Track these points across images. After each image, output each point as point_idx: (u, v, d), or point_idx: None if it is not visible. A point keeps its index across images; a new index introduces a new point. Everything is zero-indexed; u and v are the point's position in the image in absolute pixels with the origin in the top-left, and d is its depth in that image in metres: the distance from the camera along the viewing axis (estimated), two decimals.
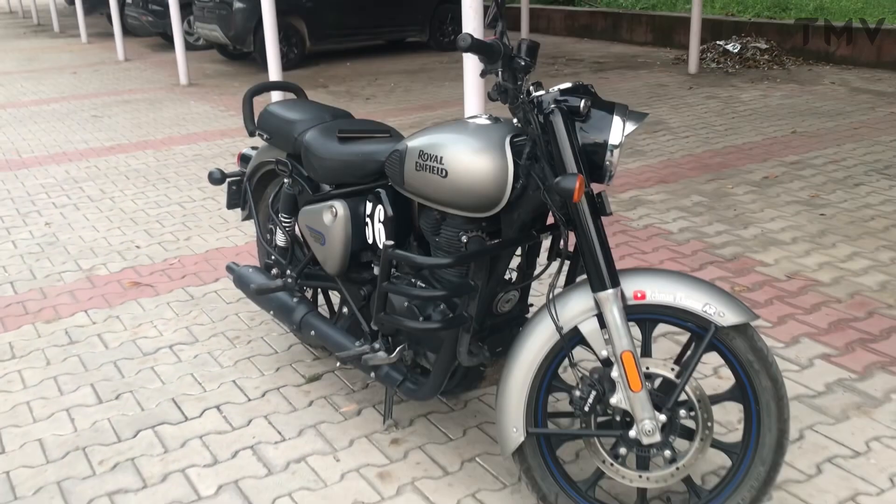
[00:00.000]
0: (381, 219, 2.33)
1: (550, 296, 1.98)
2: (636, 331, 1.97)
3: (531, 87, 1.96)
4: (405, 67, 10.10)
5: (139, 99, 8.73)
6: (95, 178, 5.64)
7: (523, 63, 1.91)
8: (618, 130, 1.89)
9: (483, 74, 1.96)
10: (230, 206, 3.09)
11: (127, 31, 13.05)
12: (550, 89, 1.96)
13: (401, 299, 2.26)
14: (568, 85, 1.96)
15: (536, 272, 2.25)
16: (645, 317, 1.94)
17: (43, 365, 3.05)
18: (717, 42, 9.59)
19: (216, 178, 2.92)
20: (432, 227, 2.23)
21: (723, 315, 1.87)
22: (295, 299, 2.71)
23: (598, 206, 1.92)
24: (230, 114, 7.75)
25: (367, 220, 2.40)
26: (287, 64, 10.11)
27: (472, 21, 4.03)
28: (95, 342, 3.22)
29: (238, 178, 3.03)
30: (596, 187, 1.91)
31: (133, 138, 6.86)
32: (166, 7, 10.44)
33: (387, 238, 2.32)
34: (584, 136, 1.92)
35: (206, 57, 11.69)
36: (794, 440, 2.43)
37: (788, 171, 5.12)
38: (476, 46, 1.80)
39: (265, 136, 2.78)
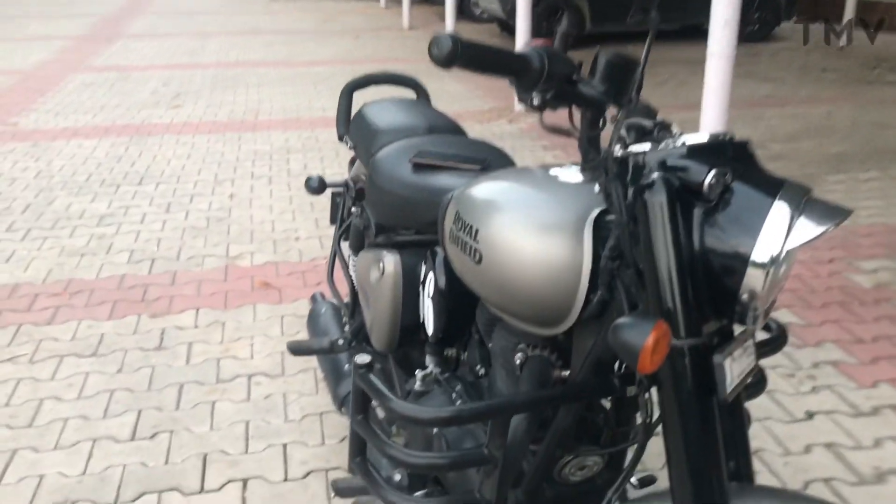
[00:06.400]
0: (431, 292, 1.57)
1: None
2: None
3: (626, 135, 1.09)
4: (690, 57, 8.90)
5: (400, 69, 8.48)
6: (308, 151, 5.36)
7: (596, 91, 1.06)
8: (778, 232, 0.97)
9: (522, 101, 1.12)
10: (332, 221, 2.48)
11: None
12: (668, 140, 1.07)
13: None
14: (703, 136, 1.06)
15: (636, 436, 1.36)
16: None
17: (113, 372, 2.67)
18: None
19: (314, 186, 2.29)
20: (486, 323, 1.44)
21: None
22: (348, 366, 2.04)
23: (711, 380, 1.01)
24: (477, 94, 7.20)
25: (422, 286, 1.66)
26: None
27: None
28: (181, 353, 2.79)
29: (341, 188, 2.40)
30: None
31: None
32: None
33: (435, 321, 1.56)
34: (714, 236, 1.02)
35: (485, 30, 11.27)
36: None
37: None
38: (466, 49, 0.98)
39: (350, 145, 2.12)
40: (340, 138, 2.18)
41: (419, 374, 1.58)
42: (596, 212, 1.16)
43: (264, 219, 4.09)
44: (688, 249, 1.01)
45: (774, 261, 0.97)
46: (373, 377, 1.23)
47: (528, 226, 1.18)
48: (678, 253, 1.00)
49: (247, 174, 4.85)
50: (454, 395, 1.52)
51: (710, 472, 1.02)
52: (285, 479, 2.15)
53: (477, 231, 1.23)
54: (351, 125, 2.14)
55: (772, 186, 1.01)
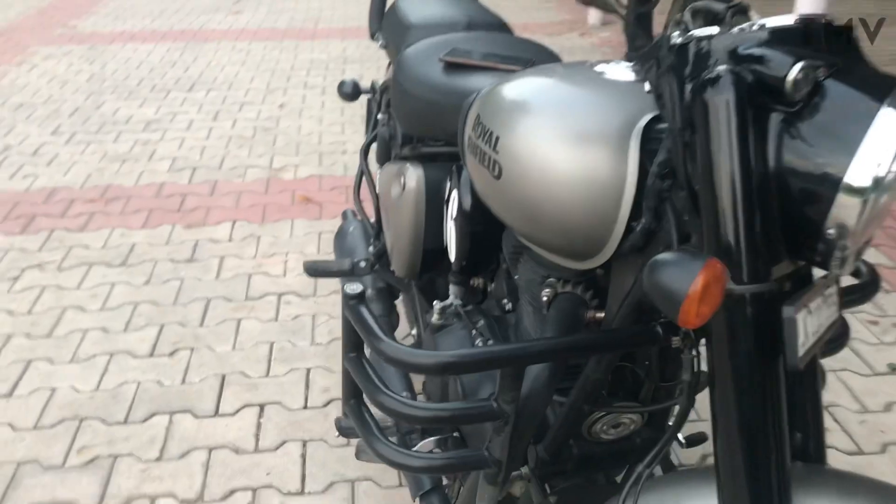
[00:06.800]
0: (454, 213, 1.36)
1: (638, 485, 0.90)
2: None
3: (688, 17, 0.84)
4: None
5: None
6: (365, 61, 5.11)
7: None
8: (884, 148, 0.72)
9: None
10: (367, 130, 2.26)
11: None
12: (744, 26, 0.81)
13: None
14: (789, 18, 0.80)
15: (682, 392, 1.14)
16: None
17: (141, 283, 2.55)
18: None
19: (346, 91, 2.08)
20: (512, 251, 1.22)
21: None
22: (370, 291, 1.85)
23: (778, 338, 0.77)
24: (548, 5, 6.79)
25: (446, 206, 1.44)
26: None
27: None
28: (212, 266, 2.65)
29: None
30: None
31: None
32: None
33: (458, 246, 1.35)
34: (795, 150, 0.77)
35: None
36: None
37: None
38: None
39: (382, 43, 1.89)
40: (372, 35, 1.94)
41: (437, 305, 1.37)
42: (647, 118, 0.91)
43: (312, 130, 3.90)
44: (759, 167, 0.76)
45: (877, 185, 0.72)
46: (363, 310, 1.03)
47: (559, 133, 0.94)
48: (745, 171, 0.75)
49: (300, 83, 4.65)
50: (475, 332, 1.32)
51: (767, 450, 0.80)
52: (304, 407, 2.00)
53: (497, 139, 1.00)
54: (384, 21, 1.90)
55: (879, 87, 0.75)
